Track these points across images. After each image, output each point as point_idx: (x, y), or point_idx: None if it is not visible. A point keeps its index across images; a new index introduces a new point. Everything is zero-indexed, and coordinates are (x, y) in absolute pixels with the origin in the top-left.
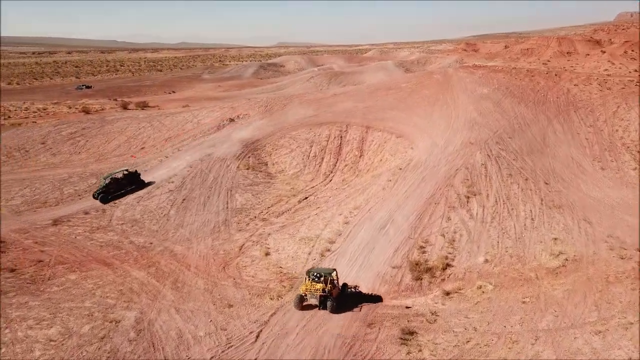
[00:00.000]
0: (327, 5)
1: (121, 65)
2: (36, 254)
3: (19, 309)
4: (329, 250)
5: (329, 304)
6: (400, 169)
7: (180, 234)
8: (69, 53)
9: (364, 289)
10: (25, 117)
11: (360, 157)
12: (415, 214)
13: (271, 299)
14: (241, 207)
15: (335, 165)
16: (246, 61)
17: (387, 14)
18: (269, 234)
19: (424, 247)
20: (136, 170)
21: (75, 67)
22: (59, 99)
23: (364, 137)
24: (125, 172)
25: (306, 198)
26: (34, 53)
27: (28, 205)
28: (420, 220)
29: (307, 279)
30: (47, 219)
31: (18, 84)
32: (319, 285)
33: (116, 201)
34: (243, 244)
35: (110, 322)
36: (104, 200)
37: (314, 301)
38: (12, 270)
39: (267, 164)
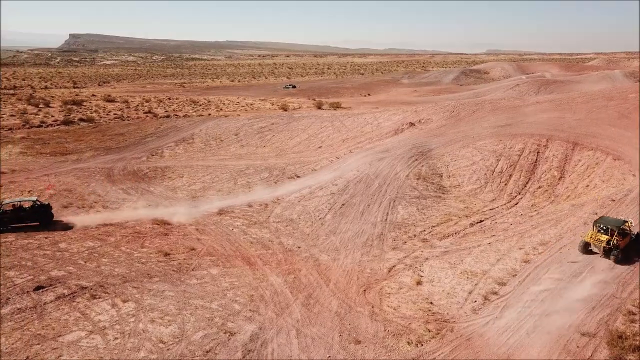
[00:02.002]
0: (543, 7)
1: (328, 68)
2: (192, 242)
3: (155, 296)
4: (495, 293)
5: (613, 255)
6: (613, 200)
7: (330, 242)
8: (287, 56)
9: (535, 355)
10: (234, 110)
11: (559, 179)
12: None
13: (409, 343)
14: (401, 221)
15: (525, 186)
16: (449, 67)
17: (618, 17)
18: (427, 258)
19: (633, 314)
20: (49, 204)
21: (289, 68)
22: (266, 96)
23: (569, 156)
24: (33, 203)
25: (481, 221)
26: (259, 55)
27: (204, 191)
28: (634, 274)
29: (594, 228)
30: (215, 207)
31: (239, 81)
32: (604, 237)
33: (266, 198)
34: (394, 266)
35: (225, 332)
36: None
37: (597, 251)
38: (166, 255)
39: (441, 176)
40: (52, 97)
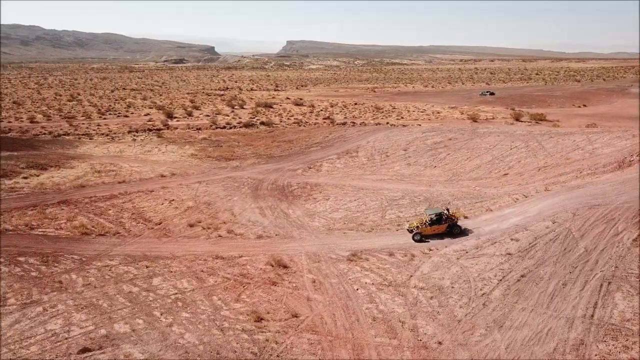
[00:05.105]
0: None
1: (537, 74)
2: (300, 302)
3: None
4: None
5: None
6: None
7: (491, 344)
8: (491, 61)
9: None
10: (415, 119)
11: None
12: None
13: None
14: (619, 323)
15: None
16: None
17: None
18: None
19: None
20: None
21: (491, 74)
22: (457, 103)
23: None
24: None
25: None
26: (461, 60)
27: (343, 222)
28: None
29: None
30: (348, 248)
31: (433, 87)
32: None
33: (432, 245)
34: None
35: None
36: None
37: None
38: (258, 320)
39: None
40: (252, 98)
